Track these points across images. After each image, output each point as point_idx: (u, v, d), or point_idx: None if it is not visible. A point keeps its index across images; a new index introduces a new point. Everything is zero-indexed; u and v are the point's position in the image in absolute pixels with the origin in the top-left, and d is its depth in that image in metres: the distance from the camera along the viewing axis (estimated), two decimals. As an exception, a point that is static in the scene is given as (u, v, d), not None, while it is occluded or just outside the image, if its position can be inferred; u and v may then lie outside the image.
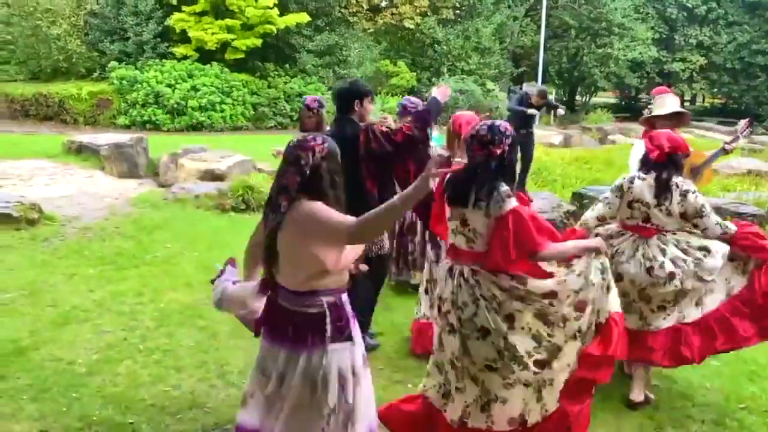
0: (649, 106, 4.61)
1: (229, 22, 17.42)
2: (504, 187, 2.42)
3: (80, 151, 10.49)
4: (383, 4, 22.22)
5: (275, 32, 18.10)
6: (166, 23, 17.80)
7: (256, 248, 2.34)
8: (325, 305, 2.16)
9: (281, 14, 18.04)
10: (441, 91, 3.63)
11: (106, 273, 5.20)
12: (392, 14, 21.32)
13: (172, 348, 3.85)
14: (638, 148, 3.82)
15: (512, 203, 2.40)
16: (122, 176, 9.40)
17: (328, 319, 2.15)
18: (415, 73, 20.66)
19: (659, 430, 3.15)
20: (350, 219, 2.04)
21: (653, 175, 3.11)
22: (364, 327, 3.48)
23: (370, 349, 3.40)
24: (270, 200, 2.21)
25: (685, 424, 3.22)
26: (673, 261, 3.08)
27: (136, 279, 5.06)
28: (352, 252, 2.21)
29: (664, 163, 3.11)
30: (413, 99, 5.12)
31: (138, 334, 4.03)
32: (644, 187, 3.12)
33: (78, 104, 16.49)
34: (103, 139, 10.46)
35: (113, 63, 16.96)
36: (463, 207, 2.49)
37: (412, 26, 21.00)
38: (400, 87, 19.73)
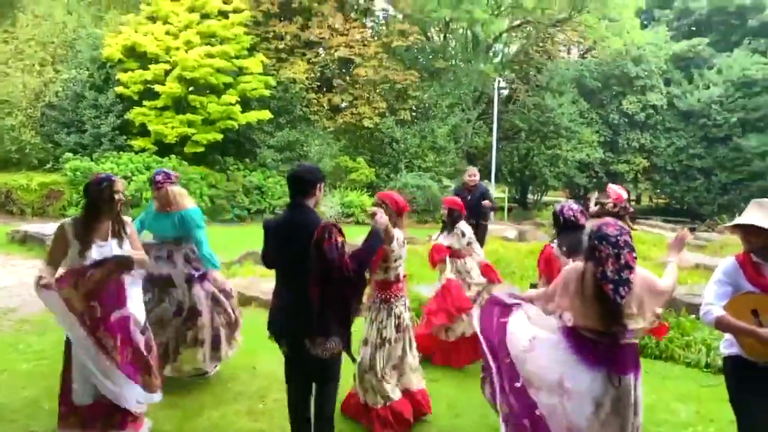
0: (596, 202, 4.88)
1: (190, 116, 17.66)
2: None
3: (25, 240, 10.09)
4: (343, 104, 23.02)
5: (236, 128, 18.40)
6: (125, 117, 17.91)
7: None
8: None
9: (243, 111, 18.43)
10: (379, 221, 3.48)
11: (41, 368, 4.80)
12: (352, 114, 22.05)
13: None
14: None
15: None
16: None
17: None
18: (374, 169, 21.12)
19: None
20: None
21: None
22: None
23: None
24: None
25: None
26: None
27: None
28: None
29: None
30: (168, 171, 4.84)
31: (68, 435, 3.63)
32: None
33: (26, 195, 16.05)
34: (50, 228, 10.07)
35: (68, 154, 16.78)
36: None
37: (371, 125, 21.71)
38: (359, 182, 20.07)
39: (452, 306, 5.22)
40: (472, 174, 8.32)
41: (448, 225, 5.78)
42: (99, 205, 3.57)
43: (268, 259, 3.58)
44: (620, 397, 2.97)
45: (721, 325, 2.92)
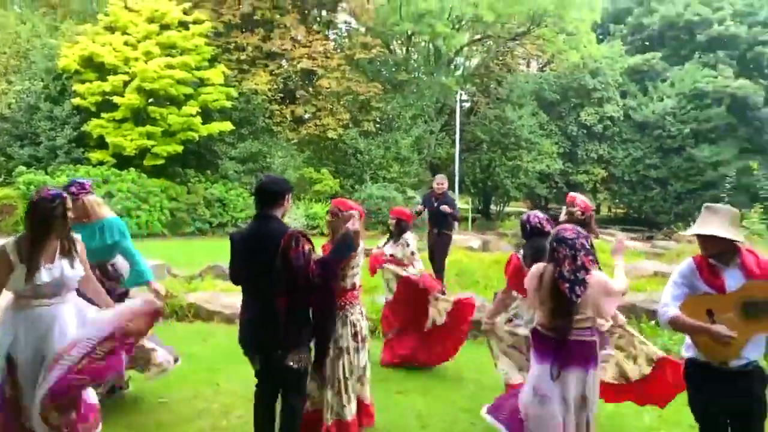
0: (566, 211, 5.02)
1: (150, 128, 17.34)
2: None
3: (-26, 257, 9.67)
4: (306, 116, 22.95)
5: (197, 139, 18.14)
6: (82, 129, 17.46)
7: None
8: None
9: (204, 122, 18.19)
10: (352, 227, 3.47)
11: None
12: (315, 125, 21.99)
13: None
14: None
15: None
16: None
17: None
18: (338, 180, 21.09)
19: None
20: None
21: None
22: None
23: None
24: None
25: None
26: None
27: None
28: None
29: None
30: (83, 181, 4.51)
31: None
32: None
33: (-23, 209, 15.49)
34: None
35: (21, 168, 16.24)
36: None
37: (334, 137, 21.69)
38: (324, 193, 19.99)
39: (425, 289, 5.53)
40: (440, 182, 8.27)
41: (395, 235, 5.91)
42: (50, 223, 3.25)
43: (235, 273, 3.50)
44: (562, 391, 3.18)
45: (676, 324, 2.99)
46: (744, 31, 28.21)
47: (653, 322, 6.31)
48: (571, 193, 5.35)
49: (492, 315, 4.48)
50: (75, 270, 3.34)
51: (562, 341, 3.16)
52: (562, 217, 5.16)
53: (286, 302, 3.17)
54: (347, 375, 3.92)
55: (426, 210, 8.37)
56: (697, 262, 3.03)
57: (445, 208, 7.91)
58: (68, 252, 3.34)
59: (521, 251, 4.33)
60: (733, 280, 2.94)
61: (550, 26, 24.72)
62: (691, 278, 3.01)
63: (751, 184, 20.11)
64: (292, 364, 3.26)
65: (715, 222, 2.98)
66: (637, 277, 10.38)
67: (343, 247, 3.41)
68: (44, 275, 3.20)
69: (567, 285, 3.12)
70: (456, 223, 9.80)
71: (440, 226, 8.02)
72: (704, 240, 3.00)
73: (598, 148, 27.63)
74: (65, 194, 3.38)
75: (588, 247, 3.24)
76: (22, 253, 3.21)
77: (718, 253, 2.97)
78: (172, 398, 4.77)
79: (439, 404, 4.85)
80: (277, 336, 3.21)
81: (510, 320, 4.49)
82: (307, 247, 3.17)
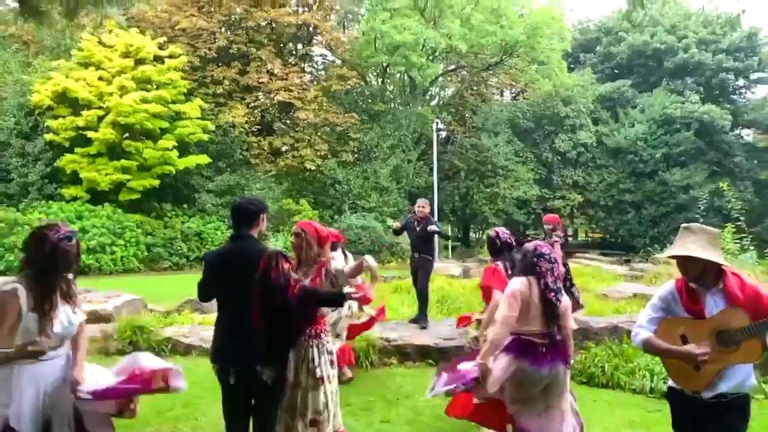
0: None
1: (125, 163, 17.17)
2: None
3: (-59, 297, 9.35)
4: (284, 148, 22.98)
5: (174, 173, 17.99)
6: (55, 164, 17.22)
7: None
8: None
9: (181, 156, 18.08)
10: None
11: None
12: (293, 157, 22.01)
13: None
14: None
15: None
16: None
17: None
18: (317, 211, 21.02)
19: None
20: None
21: None
22: None
23: None
24: None
25: None
26: None
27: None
28: None
29: None
30: None
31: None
32: None
33: (-54, 248, 15.08)
34: (-29, 283, 9.40)
35: (-8, 205, 15.94)
36: None
37: (313, 167, 21.71)
38: (302, 225, 19.86)
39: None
40: (422, 205, 8.06)
41: None
42: (69, 264, 2.84)
43: (205, 289, 3.52)
44: (552, 385, 3.60)
45: (648, 346, 2.89)
46: (709, 58, 29.16)
47: (636, 342, 6.30)
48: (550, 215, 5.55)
49: (485, 356, 3.95)
50: (77, 316, 2.97)
51: (552, 344, 3.59)
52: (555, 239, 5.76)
53: (263, 318, 3.23)
54: (330, 406, 3.67)
55: (407, 234, 8.22)
56: (678, 287, 2.88)
57: (432, 227, 7.75)
58: (68, 296, 2.95)
59: (497, 263, 4.61)
60: (714, 304, 2.76)
61: (522, 56, 25.29)
62: (669, 302, 2.88)
63: (722, 206, 20.52)
64: (265, 378, 3.29)
65: (693, 242, 2.80)
66: (617, 299, 10.44)
67: (335, 299, 3.50)
68: (56, 324, 2.80)
69: (552, 294, 3.59)
70: (437, 252, 9.65)
71: (422, 251, 7.89)
72: (682, 262, 2.81)
73: (573, 173, 28.06)
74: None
75: (555, 259, 3.73)
76: (34, 300, 2.76)
77: (698, 275, 2.78)
78: (148, 436, 4.60)
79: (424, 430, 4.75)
80: (253, 349, 3.25)
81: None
82: (286, 266, 3.25)
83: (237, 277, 3.29)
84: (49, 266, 2.82)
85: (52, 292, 2.82)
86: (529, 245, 3.82)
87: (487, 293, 4.65)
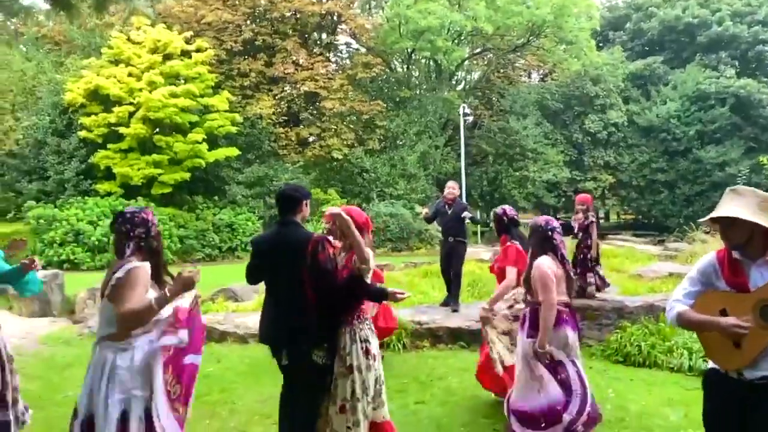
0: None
1: (156, 157, 17.46)
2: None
3: (-14, 292, 9.69)
4: (311, 138, 23.08)
5: (204, 166, 18.24)
6: (89, 161, 17.62)
7: None
8: None
9: (210, 149, 18.31)
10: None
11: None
12: (321, 146, 22.09)
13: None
14: None
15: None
16: (33, 315, 8.67)
17: None
18: (346, 200, 21.07)
19: None
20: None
21: None
22: None
23: None
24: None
25: None
26: None
27: (40, 423, 4.40)
28: None
29: None
30: None
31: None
32: None
33: (-11, 245, 15.57)
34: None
35: (30, 202, 16.38)
36: None
37: (340, 157, 21.76)
38: (332, 214, 19.98)
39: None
40: (452, 187, 7.79)
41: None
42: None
43: (254, 272, 3.61)
44: (576, 346, 3.84)
45: (682, 319, 2.60)
46: (744, 30, 28.22)
47: (672, 321, 6.19)
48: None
49: (493, 302, 4.71)
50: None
51: (572, 311, 3.92)
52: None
53: (315, 299, 3.34)
54: (358, 395, 3.50)
55: (438, 218, 7.96)
56: (720, 258, 2.56)
57: (466, 213, 7.59)
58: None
59: (516, 242, 4.73)
60: (760, 277, 2.44)
61: (550, 36, 24.84)
62: (710, 275, 2.57)
63: (761, 183, 19.93)
64: (317, 359, 3.36)
65: (740, 205, 2.45)
66: (652, 278, 10.26)
67: (380, 295, 3.67)
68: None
69: (569, 265, 3.91)
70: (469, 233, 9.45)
71: (455, 234, 7.67)
72: (725, 226, 2.48)
73: (604, 154, 27.56)
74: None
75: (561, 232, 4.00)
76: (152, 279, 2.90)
77: (743, 243, 2.45)
78: (188, 419, 4.69)
79: (460, 413, 4.75)
80: (304, 330, 3.35)
81: (511, 306, 4.63)
82: (331, 250, 3.40)
83: (286, 261, 3.40)
84: (158, 245, 3.03)
85: (161, 267, 3.04)
86: (539, 219, 4.02)
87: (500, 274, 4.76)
